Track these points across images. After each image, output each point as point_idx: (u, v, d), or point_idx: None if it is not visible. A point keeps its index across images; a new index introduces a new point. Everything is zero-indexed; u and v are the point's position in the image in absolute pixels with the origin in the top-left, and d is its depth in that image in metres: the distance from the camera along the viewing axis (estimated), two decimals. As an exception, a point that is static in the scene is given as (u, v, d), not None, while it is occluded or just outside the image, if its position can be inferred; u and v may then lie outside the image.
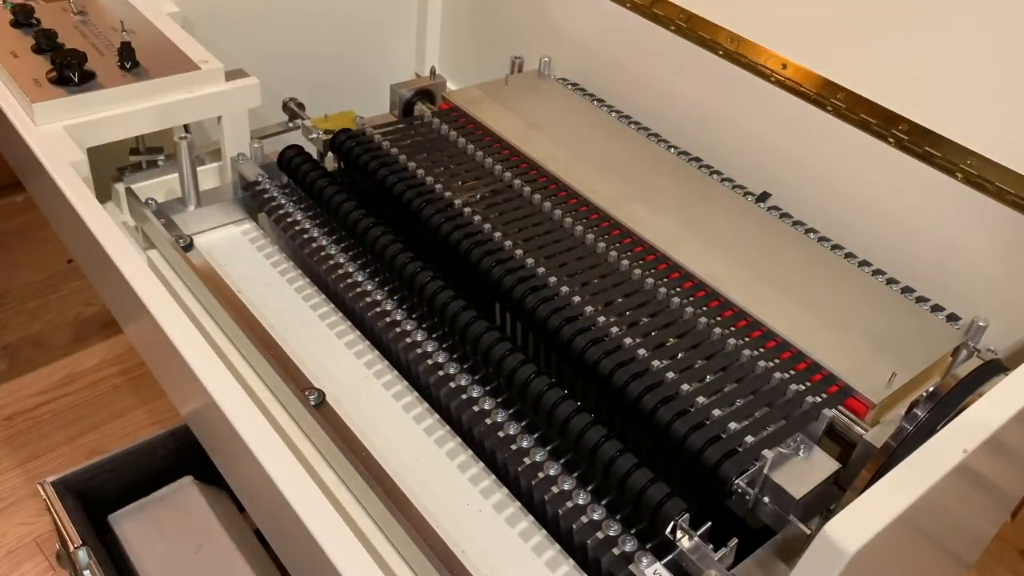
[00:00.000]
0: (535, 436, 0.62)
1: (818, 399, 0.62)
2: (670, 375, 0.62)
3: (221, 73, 0.84)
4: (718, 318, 0.68)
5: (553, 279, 0.69)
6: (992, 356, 0.65)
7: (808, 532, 0.56)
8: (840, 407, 0.62)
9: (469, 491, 0.63)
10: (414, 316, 0.71)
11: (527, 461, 0.60)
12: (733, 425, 0.58)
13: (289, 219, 0.80)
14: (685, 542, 0.54)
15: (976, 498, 0.59)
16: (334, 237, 0.78)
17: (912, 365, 0.64)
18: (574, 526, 0.56)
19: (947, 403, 0.57)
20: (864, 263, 0.74)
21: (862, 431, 0.60)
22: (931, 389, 0.59)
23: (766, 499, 0.57)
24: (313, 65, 1.13)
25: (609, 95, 0.96)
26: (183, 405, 0.70)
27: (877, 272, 0.74)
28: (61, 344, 1.45)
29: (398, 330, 0.70)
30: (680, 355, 0.64)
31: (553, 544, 0.60)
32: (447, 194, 0.77)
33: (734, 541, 0.54)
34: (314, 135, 0.89)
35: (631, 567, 0.53)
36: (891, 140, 0.75)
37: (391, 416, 0.68)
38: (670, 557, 0.53)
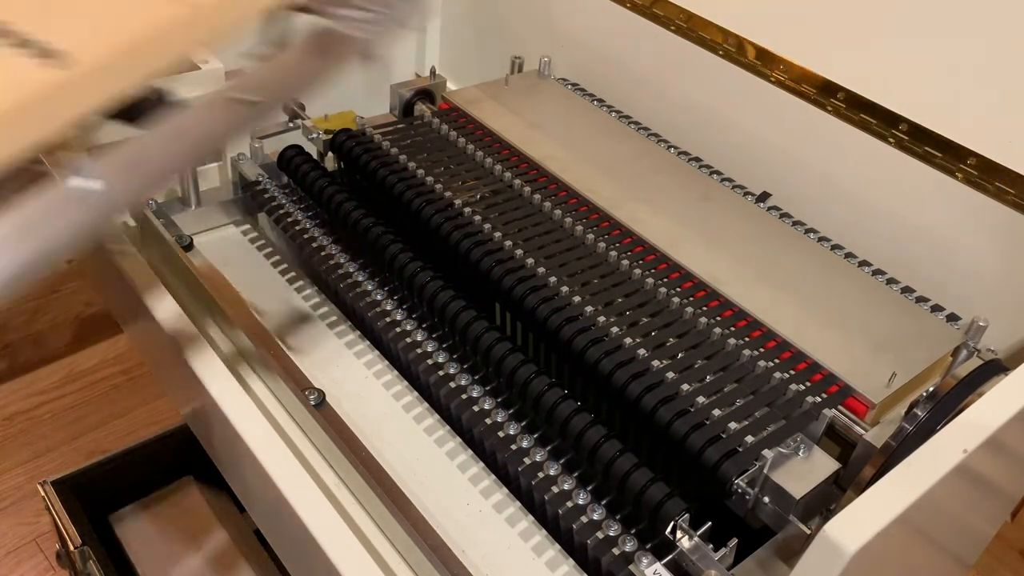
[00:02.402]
0: (535, 436, 0.62)
1: (818, 399, 0.62)
2: (670, 375, 0.62)
3: (221, 73, 0.84)
4: (718, 318, 0.68)
5: (553, 279, 0.69)
6: (992, 356, 0.65)
7: (808, 532, 0.56)
8: (840, 407, 0.62)
9: (469, 491, 0.63)
10: (414, 316, 0.71)
11: (527, 461, 0.60)
12: (733, 425, 0.58)
13: (289, 219, 0.80)
14: (685, 542, 0.54)
15: (976, 498, 0.59)
16: (334, 237, 0.78)
17: (912, 365, 0.64)
18: (574, 526, 0.56)
19: (947, 403, 0.57)
20: (864, 263, 0.74)
21: (862, 431, 0.60)
22: (931, 389, 0.59)
23: (766, 499, 0.57)
24: (313, 65, 1.13)
25: (609, 95, 0.96)
26: (183, 405, 0.70)
27: (877, 272, 0.74)
28: (61, 344, 1.45)
29: (398, 330, 0.70)
30: (680, 355, 0.64)
31: (553, 544, 0.60)
32: (447, 194, 0.77)
33: (734, 541, 0.54)
34: (314, 135, 0.89)
35: (631, 567, 0.53)
36: (891, 140, 0.75)
37: (391, 416, 0.68)
38: (670, 557, 0.53)
